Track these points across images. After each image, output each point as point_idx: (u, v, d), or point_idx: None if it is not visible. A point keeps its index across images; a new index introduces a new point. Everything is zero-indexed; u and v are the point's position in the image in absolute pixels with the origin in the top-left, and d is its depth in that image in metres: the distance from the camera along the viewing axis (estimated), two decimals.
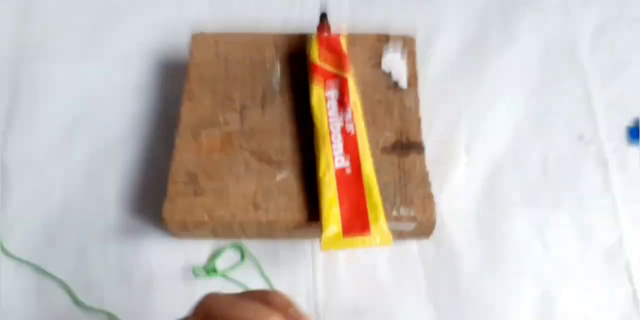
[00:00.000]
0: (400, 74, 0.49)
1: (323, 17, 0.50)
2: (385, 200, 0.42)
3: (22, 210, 0.48)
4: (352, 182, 0.42)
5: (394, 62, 0.49)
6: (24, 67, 0.55)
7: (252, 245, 0.46)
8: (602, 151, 0.51)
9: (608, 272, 0.46)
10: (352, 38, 0.50)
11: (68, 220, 0.48)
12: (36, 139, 0.52)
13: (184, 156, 0.45)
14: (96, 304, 0.44)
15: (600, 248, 0.47)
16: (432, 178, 0.44)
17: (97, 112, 0.53)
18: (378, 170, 0.44)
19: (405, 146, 0.45)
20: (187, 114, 0.47)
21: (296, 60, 0.49)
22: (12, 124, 0.52)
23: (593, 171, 0.50)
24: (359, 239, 0.40)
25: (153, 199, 0.48)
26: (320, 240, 0.40)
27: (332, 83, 0.46)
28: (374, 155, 0.44)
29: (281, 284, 0.45)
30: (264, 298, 0.24)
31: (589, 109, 0.53)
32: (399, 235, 0.45)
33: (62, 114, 0.53)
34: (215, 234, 0.45)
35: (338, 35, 0.48)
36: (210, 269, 0.45)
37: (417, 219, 0.42)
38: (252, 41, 0.50)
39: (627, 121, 0.53)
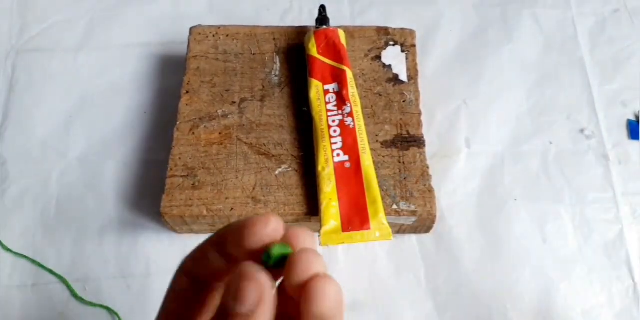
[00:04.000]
0: (400, 67, 0.48)
1: (322, 9, 0.49)
2: (385, 194, 0.42)
3: (19, 204, 0.48)
4: (351, 176, 0.42)
5: (394, 56, 0.49)
6: (21, 60, 0.55)
7: None
8: (603, 145, 0.51)
9: (609, 266, 0.46)
10: (352, 31, 0.50)
11: (66, 215, 0.48)
12: (33, 132, 0.51)
13: (182, 150, 0.44)
14: (94, 299, 0.44)
15: (600, 242, 0.47)
16: (433, 172, 0.44)
17: (94, 106, 0.53)
18: (378, 164, 0.44)
19: (405, 140, 0.45)
20: (186, 107, 0.46)
21: (295, 53, 0.49)
22: (9, 117, 0.52)
23: (594, 165, 0.50)
24: (358, 234, 0.40)
25: (151, 193, 0.47)
26: (319, 235, 0.40)
27: (330, 76, 0.46)
28: (373, 149, 0.44)
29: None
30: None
31: (590, 103, 0.53)
32: (398, 229, 0.45)
33: (60, 107, 0.53)
34: (214, 228, 0.45)
35: (336, 29, 0.48)
36: None
37: (417, 213, 0.42)
38: (251, 34, 0.50)
39: (627, 115, 0.53)
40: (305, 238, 0.22)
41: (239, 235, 0.21)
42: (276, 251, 0.21)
